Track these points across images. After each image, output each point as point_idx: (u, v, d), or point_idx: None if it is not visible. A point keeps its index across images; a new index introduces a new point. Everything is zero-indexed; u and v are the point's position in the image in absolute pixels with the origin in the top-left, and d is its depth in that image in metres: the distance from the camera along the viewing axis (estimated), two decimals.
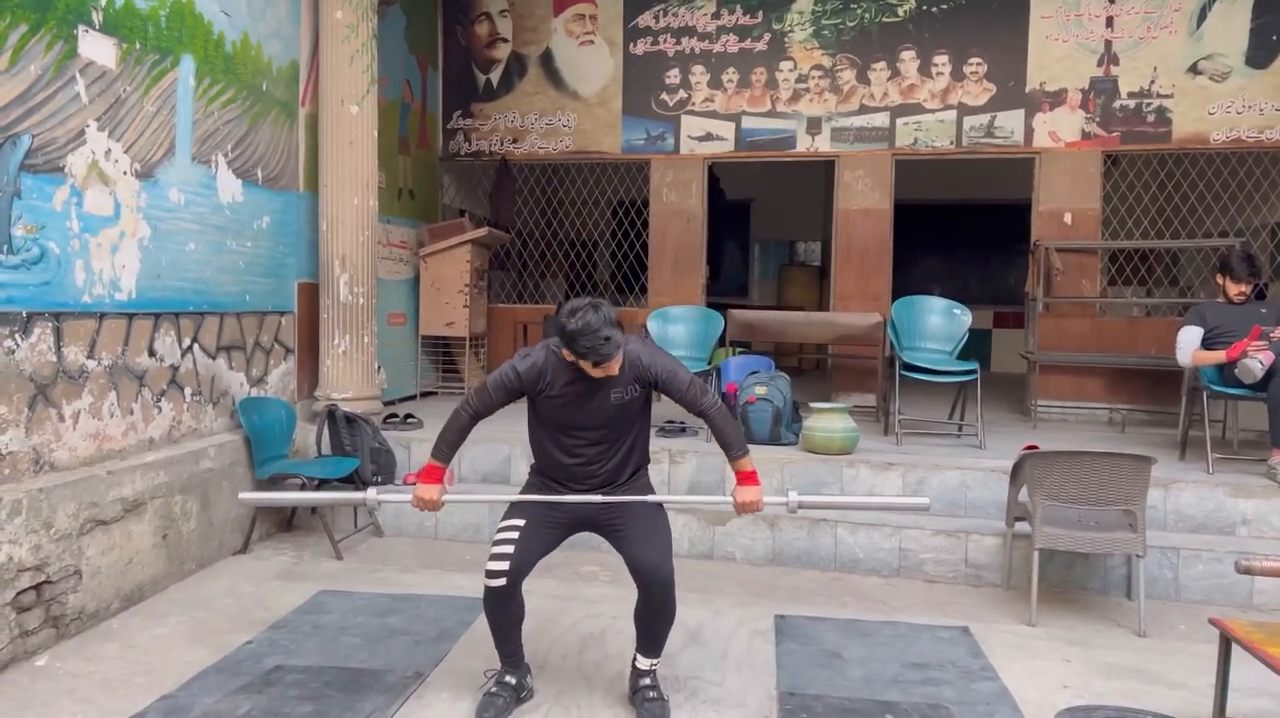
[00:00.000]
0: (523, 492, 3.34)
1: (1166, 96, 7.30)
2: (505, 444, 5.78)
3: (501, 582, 3.14)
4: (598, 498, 3.20)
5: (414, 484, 5.62)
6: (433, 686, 3.47)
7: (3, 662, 3.53)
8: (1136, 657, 3.91)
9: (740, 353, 7.49)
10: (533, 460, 3.39)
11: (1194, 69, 7.24)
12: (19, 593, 3.62)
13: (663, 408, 7.53)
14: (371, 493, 3.41)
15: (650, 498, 3.30)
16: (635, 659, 3.33)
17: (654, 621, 3.24)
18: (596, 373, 3.05)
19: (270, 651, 3.76)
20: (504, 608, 3.21)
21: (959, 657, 3.85)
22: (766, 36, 7.90)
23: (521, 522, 3.19)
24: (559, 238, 9.73)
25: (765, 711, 3.33)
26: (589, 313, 2.96)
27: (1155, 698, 3.46)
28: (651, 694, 3.26)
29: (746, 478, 3.24)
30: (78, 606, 3.94)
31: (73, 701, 3.31)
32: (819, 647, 3.93)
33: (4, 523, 3.56)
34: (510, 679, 3.31)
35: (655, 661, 3.32)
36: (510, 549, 3.15)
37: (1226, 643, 2.98)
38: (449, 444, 3.30)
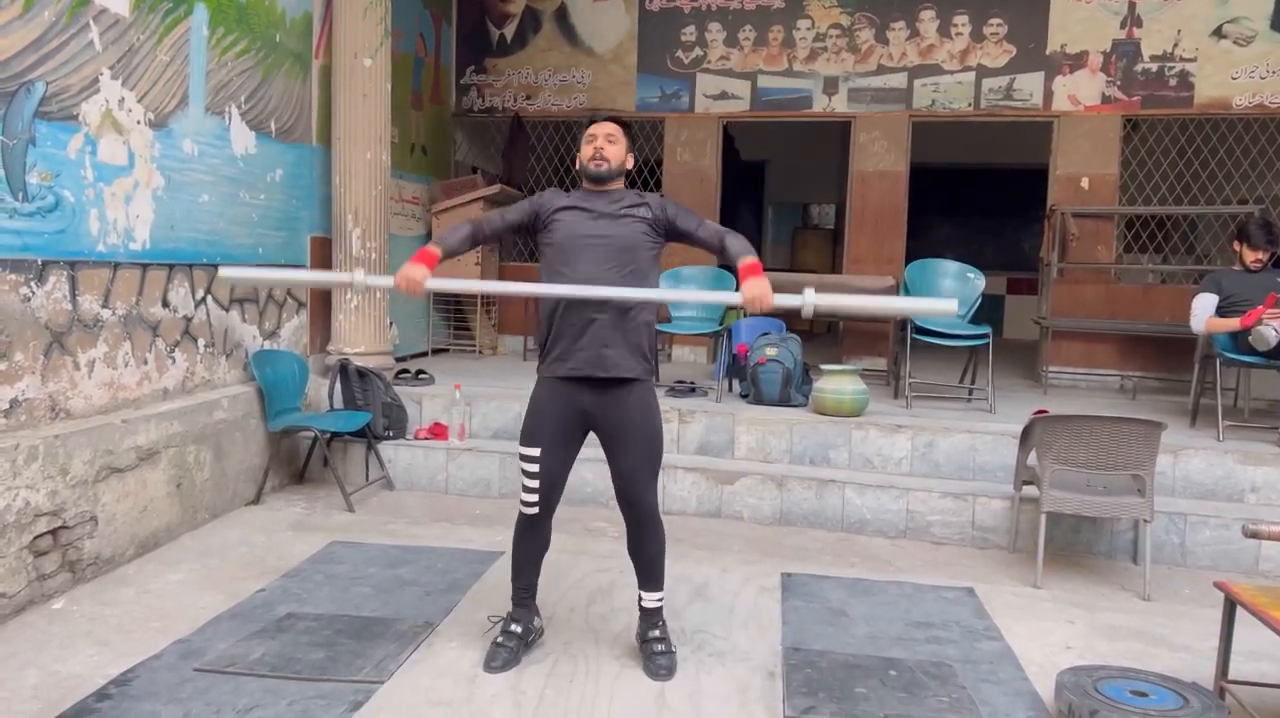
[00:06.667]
0: (532, 396, 3.31)
1: (1189, 60, 7.20)
2: (516, 403, 5.79)
3: (535, 510, 3.27)
4: (600, 380, 3.17)
5: (426, 439, 5.70)
6: (442, 634, 3.52)
7: (21, 604, 3.59)
8: (1141, 620, 3.94)
9: (752, 315, 7.48)
10: (540, 358, 3.31)
11: (1218, 32, 7.13)
12: (36, 537, 3.68)
13: (669, 369, 7.54)
14: (359, 273, 3.29)
15: (650, 293, 3.25)
16: (640, 598, 3.36)
17: (643, 546, 3.31)
18: (599, 145, 3.22)
19: (282, 598, 3.82)
20: (536, 535, 3.34)
21: (964, 617, 3.88)
22: None
23: (538, 449, 3.24)
24: None
25: (770, 665, 3.37)
26: None
27: (1158, 660, 3.49)
28: (659, 646, 3.30)
29: (750, 269, 3.08)
30: (94, 551, 4.00)
31: (89, 643, 3.37)
32: (824, 604, 3.96)
33: (21, 469, 3.60)
34: (516, 629, 3.34)
35: (659, 595, 3.35)
36: (537, 483, 3.25)
37: (1231, 606, 2.99)
38: (447, 242, 3.31)
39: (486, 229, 3.38)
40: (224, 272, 3.54)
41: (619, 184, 3.32)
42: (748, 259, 3.12)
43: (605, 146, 3.25)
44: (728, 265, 3.36)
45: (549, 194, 3.34)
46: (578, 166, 3.33)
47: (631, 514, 3.28)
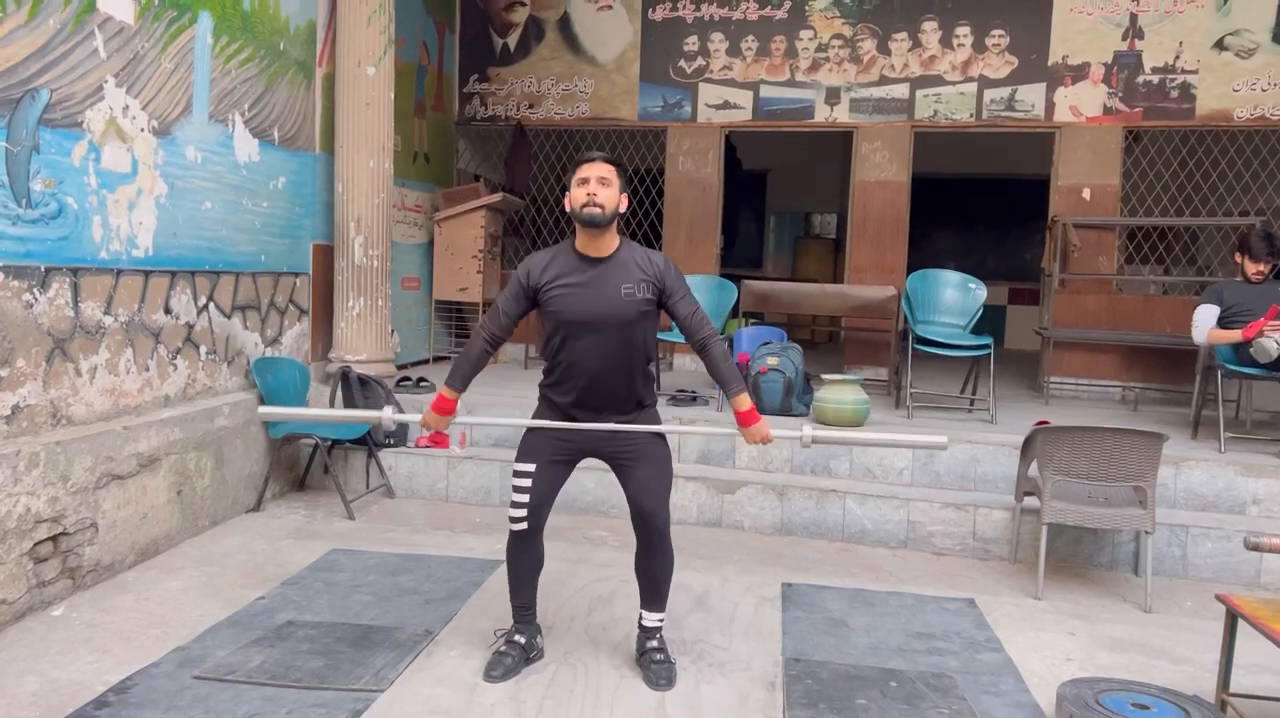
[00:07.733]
0: (533, 417, 3.34)
1: (1191, 72, 7.20)
2: (517, 411, 5.78)
3: (524, 525, 3.24)
4: (609, 425, 3.19)
5: (427, 446, 5.70)
6: (443, 643, 3.52)
7: (20, 611, 3.59)
8: (1142, 632, 3.93)
9: (753, 324, 7.49)
10: (543, 379, 3.33)
11: (1220, 44, 7.14)
12: (36, 544, 3.67)
13: (670, 378, 7.54)
14: (388, 411, 3.42)
15: (659, 427, 3.30)
16: (641, 617, 3.37)
17: (651, 565, 3.30)
18: (591, 190, 3.05)
19: (282, 606, 3.81)
20: (527, 552, 3.32)
21: (964, 628, 3.87)
22: (786, 4, 7.83)
23: (532, 466, 3.23)
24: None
25: (770, 676, 3.37)
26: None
27: (1160, 673, 3.48)
28: (659, 657, 3.29)
29: (747, 416, 3.22)
30: (94, 558, 3.99)
31: (89, 649, 3.37)
32: (825, 615, 3.96)
33: (22, 475, 3.60)
34: (520, 639, 3.35)
35: (660, 616, 3.36)
36: (526, 498, 3.23)
37: (1232, 619, 2.98)
38: (462, 374, 3.29)
39: (497, 331, 3.25)
40: (262, 410, 3.81)
41: (613, 232, 3.16)
42: (742, 405, 3.21)
43: (598, 191, 3.06)
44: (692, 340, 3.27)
45: (534, 262, 3.20)
46: (568, 208, 3.14)
47: (645, 532, 3.24)
